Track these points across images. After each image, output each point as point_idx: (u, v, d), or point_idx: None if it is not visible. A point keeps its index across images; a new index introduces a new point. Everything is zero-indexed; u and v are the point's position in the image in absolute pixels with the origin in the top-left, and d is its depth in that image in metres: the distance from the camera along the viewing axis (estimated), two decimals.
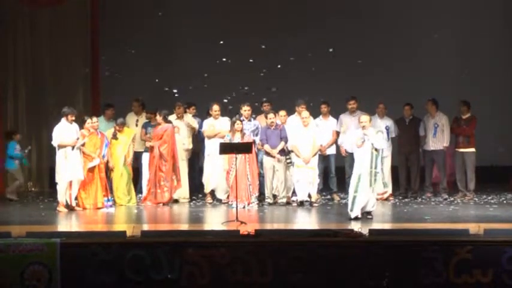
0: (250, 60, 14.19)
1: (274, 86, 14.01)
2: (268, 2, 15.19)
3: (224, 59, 14.58)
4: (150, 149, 12.24)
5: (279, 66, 14.72)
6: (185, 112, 12.83)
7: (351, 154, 11.43)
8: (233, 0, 15.23)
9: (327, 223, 10.38)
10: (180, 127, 12.59)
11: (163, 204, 12.09)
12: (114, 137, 12.20)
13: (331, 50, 13.63)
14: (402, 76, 14.78)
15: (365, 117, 10.56)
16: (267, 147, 12.04)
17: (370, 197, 10.43)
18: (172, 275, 8.49)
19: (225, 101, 12.98)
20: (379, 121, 12.77)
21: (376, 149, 10.36)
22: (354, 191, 10.42)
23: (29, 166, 14.08)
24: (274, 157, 11.99)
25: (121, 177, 12.16)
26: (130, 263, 8.50)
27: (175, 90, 13.01)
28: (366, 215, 10.49)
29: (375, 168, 10.36)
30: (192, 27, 15.00)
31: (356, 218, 10.37)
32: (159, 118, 12.26)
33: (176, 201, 12.46)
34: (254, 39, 14.91)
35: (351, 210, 10.43)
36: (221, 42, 13.82)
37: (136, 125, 13.01)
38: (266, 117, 12.53)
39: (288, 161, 12.04)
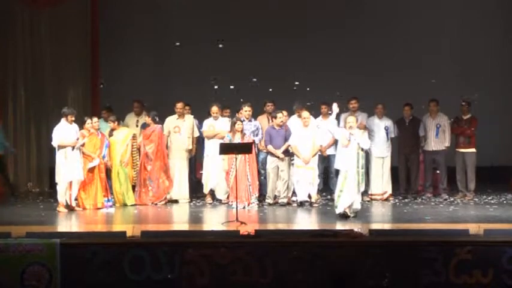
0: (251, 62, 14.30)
1: (274, 87, 14.04)
2: (269, 2, 15.19)
3: (224, 59, 14.67)
4: (138, 149, 12.31)
5: (279, 66, 14.79)
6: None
7: None
8: (233, 0, 15.23)
9: (327, 223, 10.37)
10: (180, 127, 12.58)
11: (152, 203, 12.13)
12: (110, 133, 12.20)
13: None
14: (402, 76, 14.77)
15: (351, 118, 10.75)
16: (270, 147, 12.03)
17: (356, 197, 10.58)
18: (172, 275, 8.49)
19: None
20: (378, 121, 12.77)
21: (362, 149, 10.54)
22: (340, 190, 10.57)
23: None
24: (278, 157, 11.97)
25: (117, 177, 12.16)
26: (130, 263, 8.50)
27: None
28: (351, 214, 10.57)
29: (362, 167, 10.56)
30: (192, 27, 15.00)
31: (343, 216, 10.48)
32: (147, 119, 12.31)
33: (176, 201, 12.46)
34: (255, 39, 14.94)
35: (336, 207, 10.59)
36: (220, 46, 13.91)
37: (137, 126, 13.02)
38: (268, 118, 12.50)
39: (293, 161, 12.03)
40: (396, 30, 15.03)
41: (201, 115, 12.86)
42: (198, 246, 8.58)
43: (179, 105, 12.56)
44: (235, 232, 9.12)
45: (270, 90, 13.32)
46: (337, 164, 10.90)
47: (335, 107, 11.00)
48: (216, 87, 13.25)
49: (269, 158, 12.12)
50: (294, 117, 12.45)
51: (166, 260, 8.49)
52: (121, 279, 8.49)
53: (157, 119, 12.35)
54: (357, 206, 10.67)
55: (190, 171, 12.84)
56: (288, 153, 12.03)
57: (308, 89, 13.45)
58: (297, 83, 13.43)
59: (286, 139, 12.00)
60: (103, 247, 8.56)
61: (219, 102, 12.70)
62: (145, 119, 12.57)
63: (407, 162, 13.07)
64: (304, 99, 12.70)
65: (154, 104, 13.40)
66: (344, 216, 10.53)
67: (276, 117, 12.08)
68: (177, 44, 14.49)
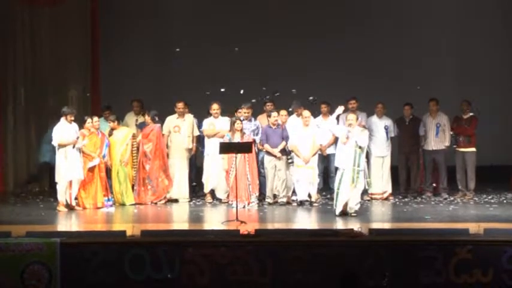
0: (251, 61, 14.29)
1: (275, 85, 14.03)
2: (269, 2, 15.19)
3: (224, 59, 14.67)
4: (137, 148, 12.31)
5: (279, 67, 14.79)
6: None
7: None
8: (233, 1, 15.23)
9: (327, 223, 10.38)
10: (180, 126, 12.58)
11: (152, 202, 12.14)
12: (110, 132, 12.20)
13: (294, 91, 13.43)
14: (402, 76, 14.77)
15: (352, 116, 10.85)
16: (267, 146, 12.03)
17: (352, 194, 10.63)
18: (172, 275, 8.50)
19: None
20: (378, 121, 12.77)
21: (360, 147, 10.61)
22: (337, 188, 10.68)
23: None
24: (275, 156, 11.98)
25: (117, 176, 12.14)
26: (130, 263, 8.50)
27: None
28: (350, 214, 10.63)
29: (358, 166, 10.59)
30: (192, 27, 15.00)
31: (341, 215, 10.57)
32: (147, 118, 12.31)
33: (176, 201, 12.46)
34: (255, 39, 14.94)
35: (335, 206, 10.68)
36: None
37: (136, 125, 13.01)
38: (268, 117, 12.51)
39: (290, 160, 12.03)
40: (396, 30, 15.01)
41: (201, 115, 12.86)
42: (198, 245, 8.59)
43: (180, 105, 12.55)
44: (235, 231, 9.12)
45: (277, 94, 13.20)
46: (336, 162, 10.97)
47: (339, 110, 11.06)
48: (222, 89, 13.20)
49: (266, 157, 12.12)
50: (294, 116, 12.45)
51: (166, 259, 8.50)
52: (121, 279, 8.50)
53: (156, 119, 12.35)
54: (353, 205, 10.69)
55: (191, 170, 12.84)
56: (285, 152, 12.03)
57: (311, 95, 13.33)
58: (293, 90, 13.30)
59: (283, 138, 12.00)
60: (103, 247, 8.57)
61: (220, 102, 12.69)
62: (144, 118, 12.55)
63: (408, 162, 13.06)
64: (303, 99, 12.67)
65: (154, 103, 13.39)
66: (344, 215, 10.58)
67: (270, 116, 12.12)
68: (178, 49, 14.45)
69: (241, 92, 12.53)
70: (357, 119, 11.01)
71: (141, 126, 12.65)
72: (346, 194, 10.61)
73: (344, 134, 10.71)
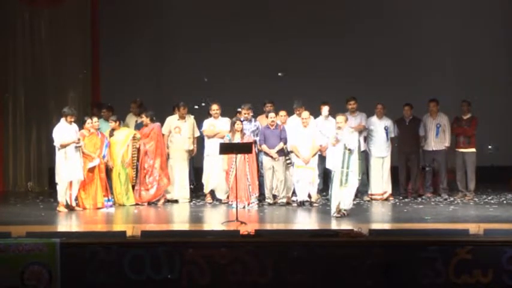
0: (251, 61, 14.27)
1: (274, 86, 14.06)
2: (269, 2, 15.20)
3: (224, 60, 14.68)
4: (137, 149, 12.32)
5: (279, 66, 14.79)
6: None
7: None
8: (233, 1, 15.23)
9: (327, 223, 10.38)
10: (181, 128, 12.58)
11: (149, 202, 12.15)
12: (111, 133, 12.20)
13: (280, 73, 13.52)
14: (402, 76, 14.78)
15: (340, 118, 10.86)
16: (264, 147, 12.03)
17: (343, 196, 10.64)
18: (172, 275, 8.49)
19: None
20: (378, 121, 12.77)
21: (349, 149, 10.61)
22: (330, 189, 10.75)
23: None
24: (272, 157, 11.99)
25: (118, 177, 12.14)
26: (130, 263, 8.50)
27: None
28: (342, 214, 10.64)
29: (347, 168, 10.60)
30: (192, 27, 15.00)
31: (339, 216, 10.57)
32: (145, 119, 12.29)
33: (176, 201, 12.46)
34: (255, 39, 14.94)
35: (331, 208, 10.74)
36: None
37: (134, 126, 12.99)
38: (267, 118, 12.52)
39: (288, 161, 12.03)
40: (396, 30, 15.01)
41: (202, 115, 12.87)
42: (198, 246, 8.59)
43: (184, 110, 12.52)
44: (235, 232, 9.12)
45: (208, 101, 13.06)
46: (327, 163, 11.02)
47: (325, 110, 11.10)
48: (206, 100, 13.16)
49: (264, 158, 12.13)
50: (294, 116, 12.45)
51: (166, 260, 8.49)
52: (121, 279, 8.49)
53: (154, 119, 12.35)
54: (345, 206, 10.69)
55: (190, 171, 12.84)
56: (282, 153, 12.02)
57: (311, 96, 13.33)
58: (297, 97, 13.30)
59: (280, 139, 12.00)
60: (103, 247, 8.56)
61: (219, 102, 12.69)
62: (142, 118, 12.51)
63: (408, 162, 13.06)
64: (304, 98, 12.68)
65: (154, 103, 13.39)
66: (340, 216, 10.59)
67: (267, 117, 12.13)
68: (206, 79, 14.29)
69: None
70: (346, 120, 11.03)
71: (138, 126, 12.64)
72: (338, 196, 10.65)
73: (333, 136, 10.74)
